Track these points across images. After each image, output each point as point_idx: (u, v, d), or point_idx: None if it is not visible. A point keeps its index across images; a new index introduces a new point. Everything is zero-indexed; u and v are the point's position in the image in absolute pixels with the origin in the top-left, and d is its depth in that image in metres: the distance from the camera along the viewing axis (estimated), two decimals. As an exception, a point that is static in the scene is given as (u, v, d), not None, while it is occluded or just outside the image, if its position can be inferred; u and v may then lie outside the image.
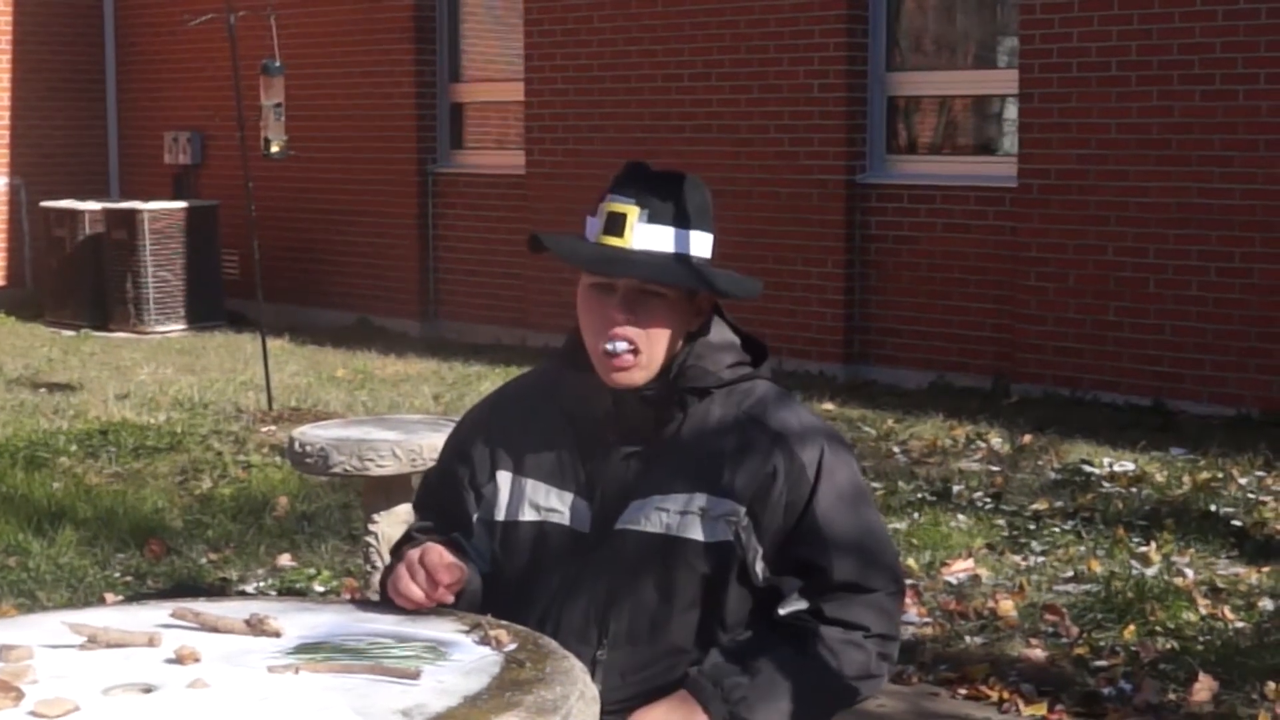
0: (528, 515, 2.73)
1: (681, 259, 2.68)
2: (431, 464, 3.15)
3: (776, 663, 2.62)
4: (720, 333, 2.77)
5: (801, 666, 2.63)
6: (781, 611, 2.66)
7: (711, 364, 2.72)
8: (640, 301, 2.67)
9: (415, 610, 2.54)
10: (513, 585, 2.72)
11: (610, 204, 2.70)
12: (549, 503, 2.73)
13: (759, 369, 2.79)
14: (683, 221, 2.70)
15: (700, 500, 2.65)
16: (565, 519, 2.71)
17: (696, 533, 2.65)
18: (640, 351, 2.67)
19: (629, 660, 2.67)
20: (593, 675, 2.60)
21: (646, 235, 2.67)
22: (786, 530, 2.66)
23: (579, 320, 2.75)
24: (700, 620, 2.67)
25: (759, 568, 2.66)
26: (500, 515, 2.76)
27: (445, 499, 2.82)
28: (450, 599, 2.58)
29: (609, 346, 2.67)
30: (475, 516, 2.77)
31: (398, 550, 2.80)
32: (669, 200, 2.70)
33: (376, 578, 4.86)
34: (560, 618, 2.67)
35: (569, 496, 2.72)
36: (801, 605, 2.66)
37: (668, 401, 2.70)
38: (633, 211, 2.68)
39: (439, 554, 2.58)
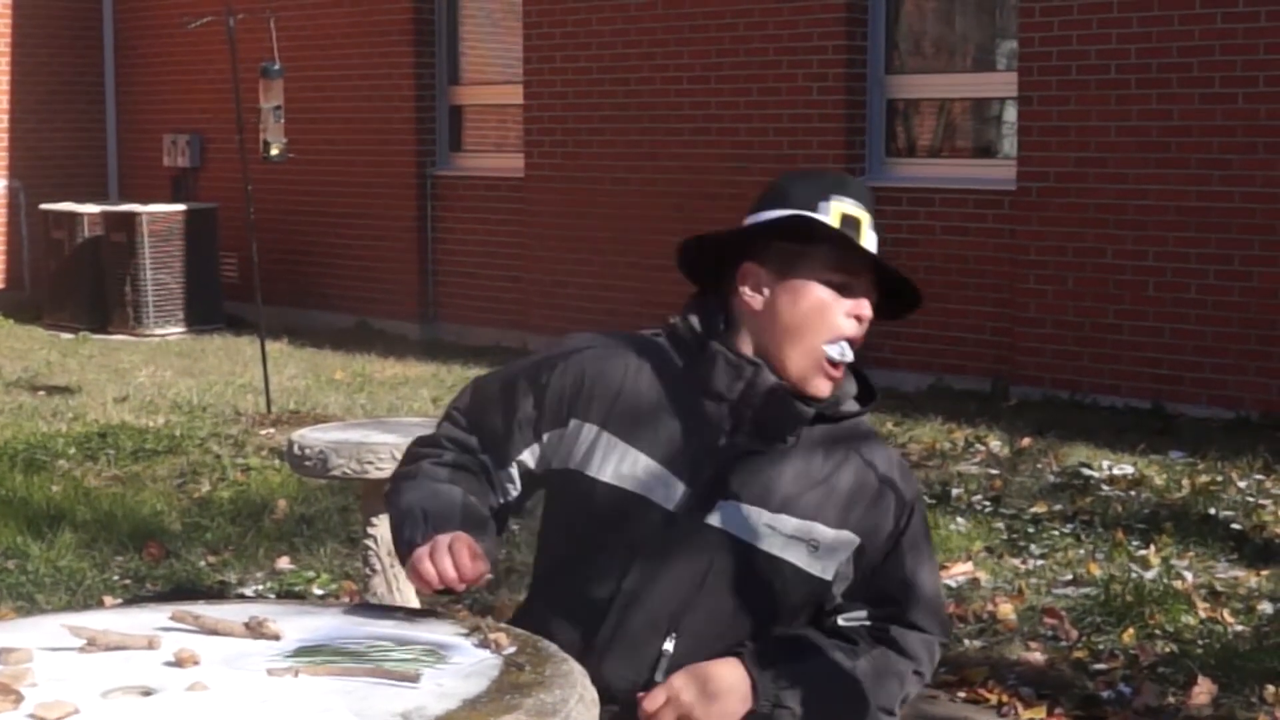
0: (610, 477, 2.61)
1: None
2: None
3: (831, 663, 2.61)
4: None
5: (849, 677, 2.62)
6: (841, 620, 2.67)
7: (847, 389, 2.71)
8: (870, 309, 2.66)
9: (416, 611, 2.54)
10: (575, 543, 2.64)
11: (840, 205, 2.63)
12: (636, 472, 2.60)
13: (870, 403, 2.76)
14: (880, 235, 2.70)
15: (815, 530, 2.61)
16: (653, 493, 2.60)
17: (804, 561, 2.61)
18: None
19: (692, 657, 2.61)
20: (656, 666, 2.59)
21: (872, 244, 2.66)
22: (875, 562, 2.66)
23: (789, 317, 2.62)
24: (770, 628, 2.65)
25: (837, 590, 2.67)
26: (570, 464, 2.64)
27: (499, 415, 2.70)
28: (462, 589, 2.52)
29: (836, 353, 2.62)
30: (517, 458, 2.68)
31: (417, 452, 2.72)
32: (872, 212, 2.69)
33: (376, 581, 4.86)
34: (635, 599, 2.60)
35: (662, 471, 2.60)
36: (862, 613, 2.67)
37: (805, 417, 2.64)
38: (866, 219, 2.64)
39: (468, 546, 2.50)
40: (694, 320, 2.68)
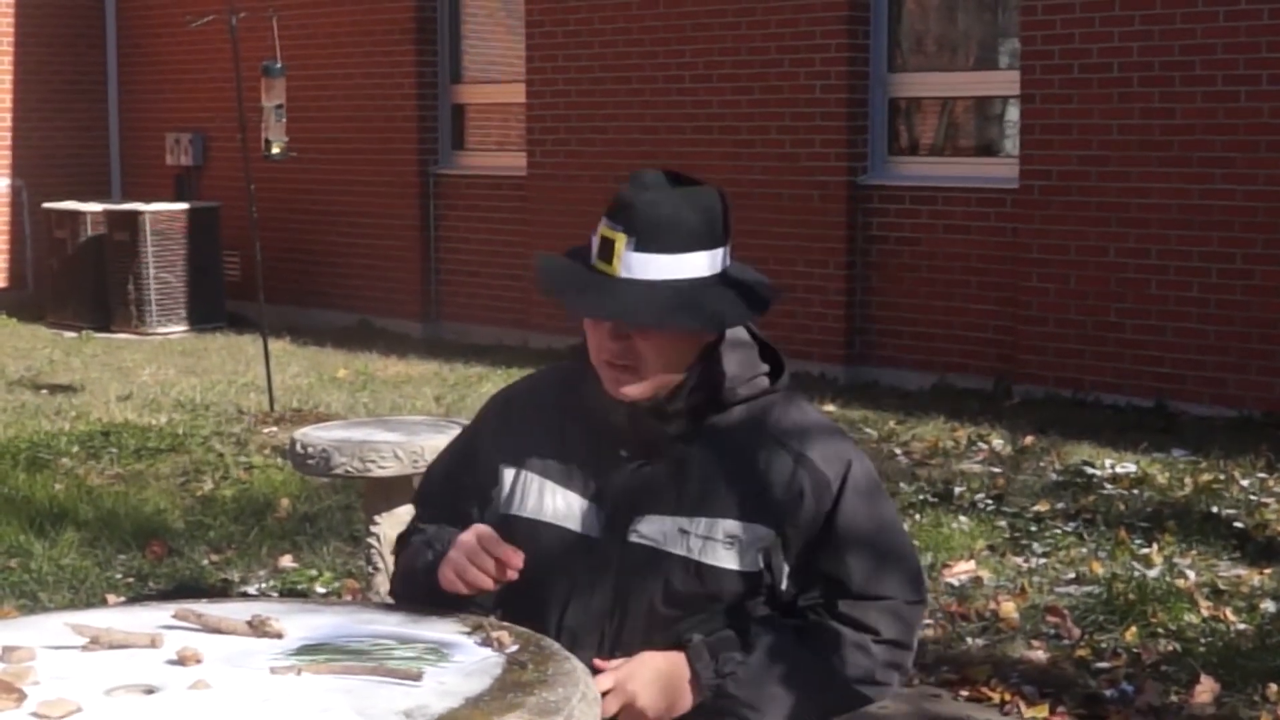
0: (535, 514, 2.68)
1: (676, 288, 2.57)
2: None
3: (777, 649, 2.60)
4: (739, 346, 2.68)
5: (801, 658, 2.61)
6: (801, 601, 2.65)
7: (729, 379, 2.64)
8: (639, 331, 2.59)
9: (418, 610, 2.54)
10: (518, 583, 2.67)
11: (602, 228, 2.60)
12: (556, 504, 2.67)
13: (777, 382, 2.71)
14: (675, 245, 2.58)
15: (728, 526, 2.60)
16: (576, 523, 2.66)
17: (726, 561, 2.60)
18: (636, 369, 2.60)
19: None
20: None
21: (635, 264, 2.57)
22: (810, 543, 2.63)
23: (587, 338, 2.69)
24: (718, 629, 2.64)
25: (784, 585, 2.64)
26: (511, 510, 2.70)
27: (451, 493, 2.79)
28: (514, 578, 2.56)
29: (606, 359, 2.63)
30: (480, 513, 2.72)
31: (403, 547, 2.78)
32: (659, 223, 2.57)
33: (378, 579, 4.86)
34: (575, 629, 2.64)
35: (578, 500, 2.67)
36: (817, 598, 2.64)
37: (683, 415, 2.64)
38: (620, 239, 2.57)
39: (493, 536, 2.56)
40: (581, 348, 2.74)
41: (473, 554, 2.55)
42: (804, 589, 2.64)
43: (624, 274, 2.57)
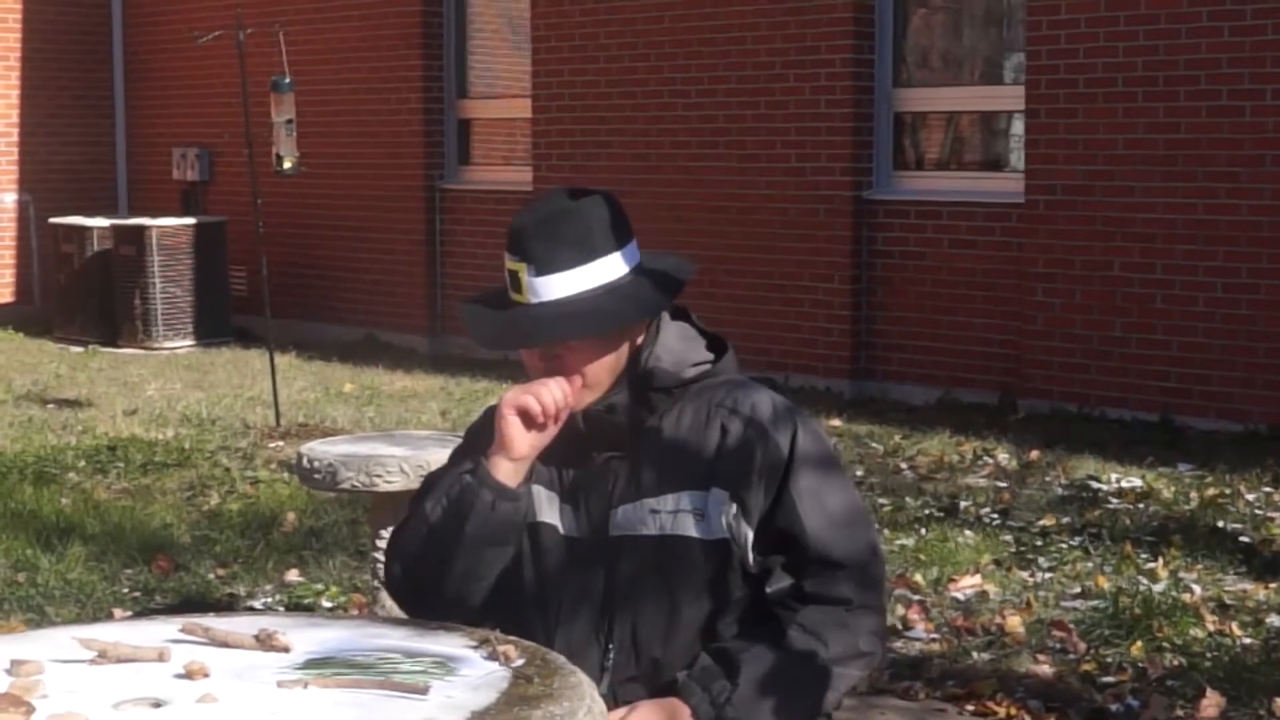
0: (536, 518, 2.76)
1: (586, 298, 2.67)
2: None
3: (760, 660, 2.63)
4: (676, 333, 2.78)
5: (784, 660, 2.64)
6: (769, 590, 2.69)
7: (671, 364, 2.74)
8: (559, 344, 2.70)
9: (425, 624, 2.55)
10: (510, 590, 2.74)
11: (506, 261, 2.73)
12: (542, 508, 2.75)
13: (720, 362, 2.80)
14: (573, 260, 2.68)
15: (689, 498, 2.68)
16: (558, 524, 2.74)
17: (692, 530, 2.67)
18: (583, 381, 2.70)
19: (639, 665, 2.69)
20: (600, 682, 2.63)
21: (541, 288, 2.68)
22: (766, 508, 2.68)
23: None
24: (706, 617, 2.70)
25: (750, 555, 2.69)
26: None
27: None
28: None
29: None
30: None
31: (433, 483, 2.80)
32: (552, 244, 2.68)
33: (384, 594, 4.86)
34: (567, 626, 2.70)
35: (559, 502, 2.75)
36: (786, 582, 2.68)
37: (634, 408, 2.73)
38: (521, 268, 2.69)
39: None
40: None
41: (530, 388, 2.66)
42: (765, 553, 2.68)
43: (533, 299, 2.70)
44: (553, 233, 2.69)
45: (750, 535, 2.68)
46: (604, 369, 2.72)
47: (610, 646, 2.69)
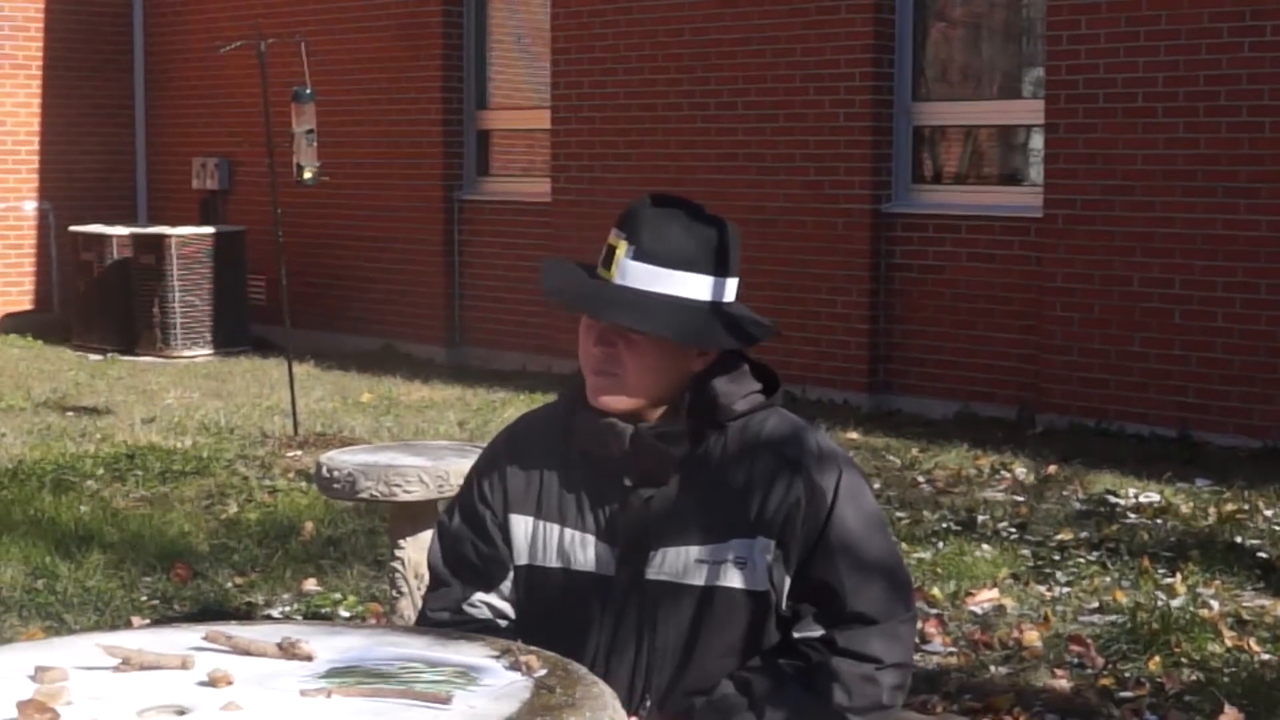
0: (552, 561, 2.71)
1: (667, 301, 2.63)
2: (457, 489, 3.09)
3: (785, 699, 2.61)
4: (731, 364, 2.72)
5: (810, 702, 2.61)
6: (796, 635, 2.66)
7: (723, 397, 2.68)
8: (620, 335, 2.65)
9: (446, 633, 2.55)
10: (543, 632, 2.67)
11: (610, 236, 2.68)
12: (571, 548, 2.70)
13: (771, 398, 2.75)
14: (673, 260, 2.64)
15: (736, 547, 2.63)
16: (590, 565, 2.69)
17: (738, 581, 2.63)
18: (619, 378, 2.65)
19: (672, 709, 2.67)
20: None
21: (630, 271, 2.64)
22: (805, 555, 2.64)
23: None
24: (739, 659, 2.67)
25: (784, 600, 2.66)
26: (523, 560, 2.74)
27: (473, 548, 2.78)
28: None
29: (590, 371, 2.69)
30: (502, 568, 2.74)
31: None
32: (665, 238, 2.64)
33: (403, 603, 4.88)
34: (602, 665, 2.65)
35: (590, 540, 2.69)
36: (816, 632, 2.65)
37: (681, 438, 2.67)
38: (621, 246, 2.65)
39: None
40: (570, 384, 2.79)
41: None
42: (798, 600, 2.65)
43: (619, 280, 2.65)
44: (667, 226, 2.66)
45: (788, 583, 2.65)
46: (650, 377, 2.66)
47: (647, 696, 2.66)
